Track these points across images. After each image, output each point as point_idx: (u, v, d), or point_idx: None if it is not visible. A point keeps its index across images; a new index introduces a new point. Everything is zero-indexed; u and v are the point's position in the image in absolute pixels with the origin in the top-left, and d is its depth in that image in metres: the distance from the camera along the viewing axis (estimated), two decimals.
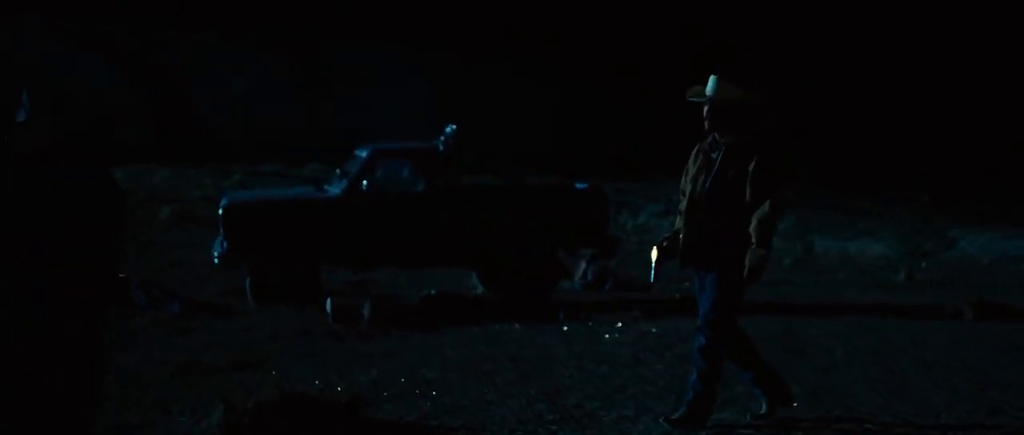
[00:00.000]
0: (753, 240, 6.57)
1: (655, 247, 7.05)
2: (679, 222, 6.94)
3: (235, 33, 36.52)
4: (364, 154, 13.54)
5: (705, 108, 6.78)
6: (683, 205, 6.92)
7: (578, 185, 14.20)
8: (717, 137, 6.77)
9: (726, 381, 8.49)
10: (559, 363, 9.42)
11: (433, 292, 12.25)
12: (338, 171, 14.13)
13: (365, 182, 13.15)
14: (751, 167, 6.57)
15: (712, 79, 6.77)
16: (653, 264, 7.09)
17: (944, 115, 34.18)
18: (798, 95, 35.86)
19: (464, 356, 9.82)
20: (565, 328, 11.43)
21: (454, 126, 13.48)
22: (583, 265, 14.99)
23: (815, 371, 8.98)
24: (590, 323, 11.99)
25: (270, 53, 36.96)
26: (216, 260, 13.27)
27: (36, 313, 6.11)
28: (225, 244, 13.16)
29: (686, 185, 6.92)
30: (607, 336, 10.83)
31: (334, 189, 13.55)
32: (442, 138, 13.48)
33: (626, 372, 9.03)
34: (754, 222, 6.55)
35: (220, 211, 13.32)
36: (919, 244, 17.89)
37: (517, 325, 11.51)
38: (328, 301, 11.87)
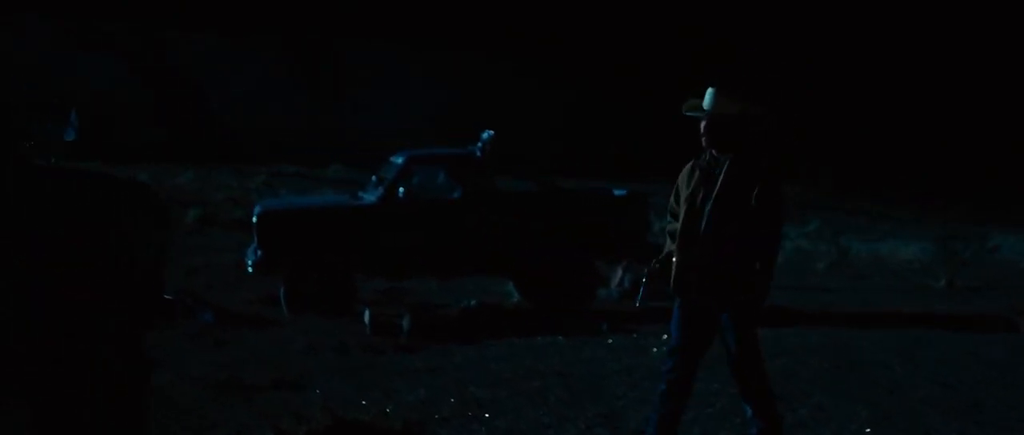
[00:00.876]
0: (758, 266, 6.05)
1: (646, 269, 6.58)
2: (670, 245, 6.34)
3: (240, 33, 36.21)
4: (400, 161, 13.17)
5: (702, 123, 6.23)
6: (673, 227, 6.33)
7: (616, 191, 13.80)
8: (715, 154, 6.22)
9: (790, 404, 8.11)
10: (610, 380, 9.04)
11: (473, 303, 11.87)
12: (373, 178, 13.75)
13: (401, 189, 12.78)
14: (755, 193, 6.01)
15: (710, 92, 6.22)
16: (642, 286, 6.61)
17: (972, 117, 33.70)
18: (823, 98, 35.46)
19: (511, 371, 9.44)
20: (610, 340, 11.05)
21: (491, 132, 13.09)
22: (619, 272, 14.60)
23: (878, 390, 8.59)
24: (635, 335, 11.62)
25: (275, 53, 36.65)
26: (250, 268, 12.90)
27: (75, 339, 5.74)
28: (259, 252, 12.80)
29: (680, 206, 6.31)
30: (655, 350, 10.45)
31: (369, 196, 13.18)
32: (479, 144, 13.10)
33: None
34: (761, 251, 6.05)
35: (254, 219, 12.96)
36: (957, 249, 17.48)
37: (560, 337, 11.14)
38: (366, 312, 11.50)
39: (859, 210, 31.57)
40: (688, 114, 6.31)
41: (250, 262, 12.95)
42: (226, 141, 32.15)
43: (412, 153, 13.37)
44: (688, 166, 6.33)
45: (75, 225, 5.55)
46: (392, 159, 13.48)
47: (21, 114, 5.71)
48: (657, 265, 6.42)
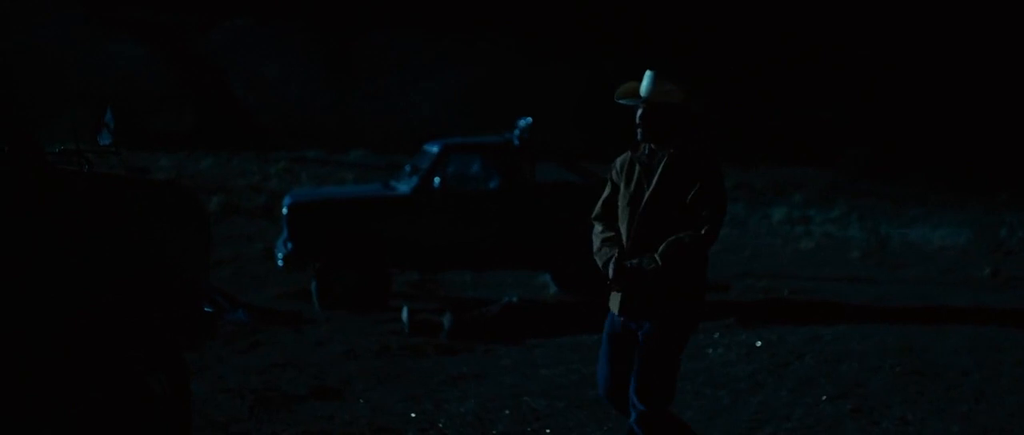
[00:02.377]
0: (658, 252, 5.15)
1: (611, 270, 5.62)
2: (607, 253, 5.36)
3: (263, 18, 35.52)
4: (435, 149, 12.46)
5: (639, 112, 5.37)
6: (609, 235, 5.39)
7: None
8: (654, 147, 5.37)
9: (871, 416, 7.42)
10: None
11: (515, 299, 11.18)
12: (407, 167, 13.05)
13: (437, 179, 12.09)
14: (694, 192, 5.21)
15: (649, 76, 5.36)
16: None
17: (999, 101, 32.93)
18: (844, 77, 34.73)
19: (562, 377, 8.78)
20: None
21: (529, 119, 12.38)
22: None
23: (963, 400, 7.90)
24: None
25: (297, 38, 35.97)
26: (281, 263, 12.23)
27: (111, 360, 5.08)
28: (289, 245, 12.13)
29: (617, 207, 5.41)
30: (711, 351, 9.78)
31: (403, 187, 12.48)
32: (517, 132, 12.39)
33: (751, 401, 7.97)
34: (676, 238, 5.15)
35: (285, 210, 12.28)
36: (998, 236, 16.75)
37: None
38: (404, 311, 10.82)
39: (881, 194, 30.83)
40: (621, 102, 5.45)
41: (280, 255, 12.28)
42: (248, 127, 31.48)
43: (447, 141, 12.67)
44: (623, 159, 5.46)
45: (108, 236, 4.87)
46: (426, 148, 12.78)
47: (38, 111, 5.03)
48: (621, 275, 5.31)
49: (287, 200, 12.53)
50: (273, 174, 24.20)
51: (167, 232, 5.14)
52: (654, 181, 5.29)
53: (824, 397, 7.92)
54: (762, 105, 34.73)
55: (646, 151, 5.39)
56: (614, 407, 5.61)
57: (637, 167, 5.38)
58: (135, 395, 5.17)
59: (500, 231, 12.26)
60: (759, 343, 9.92)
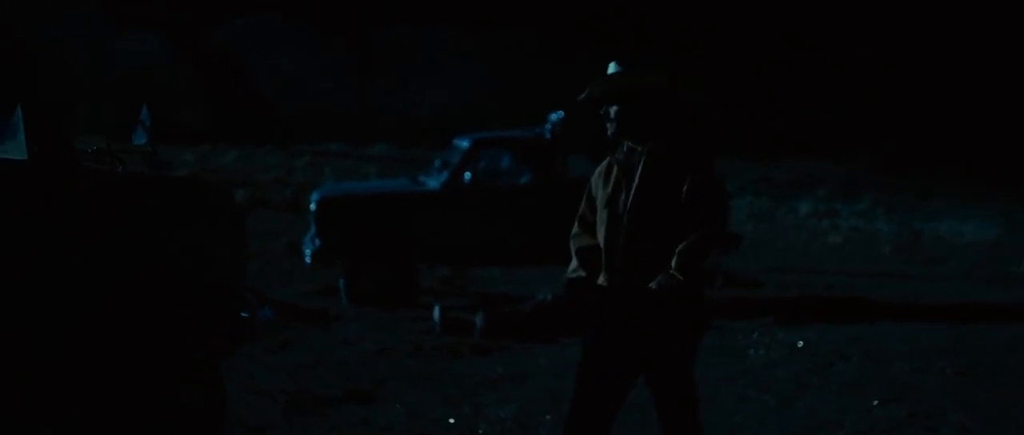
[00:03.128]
0: (673, 265, 4.53)
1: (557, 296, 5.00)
2: (577, 268, 4.86)
3: (283, 10, 35.27)
4: (465, 144, 12.15)
5: (606, 108, 4.75)
6: (585, 243, 4.84)
7: None
8: (632, 144, 4.73)
9: (926, 422, 7.08)
10: (713, 390, 8.01)
11: (548, 297, 10.87)
12: (437, 162, 12.75)
13: (467, 174, 11.78)
14: (685, 188, 4.56)
15: (613, 66, 4.74)
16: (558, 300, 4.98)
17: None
18: (865, 68, 34.32)
19: None
20: None
21: (561, 113, 12.06)
22: None
23: (1022, 405, 7.54)
24: (718, 329, 10.61)
25: (318, 30, 35.70)
26: (308, 259, 11.95)
27: (143, 367, 4.78)
28: (318, 241, 11.84)
29: (595, 213, 4.83)
30: (752, 352, 9.44)
31: (433, 182, 12.18)
32: (548, 126, 12.07)
33: (799, 405, 7.64)
34: (684, 246, 4.54)
35: (313, 206, 12.00)
36: None
37: None
38: (436, 310, 10.51)
39: (905, 187, 30.42)
40: (582, 99, 4.77)
41: (308, 252, 11.99)
42: (270, 120, 31.24)
43: (478, 136, 12.35)
44: (603, 164, 4.83)
45: (140, 238, 4.57)
46: (456, 142, 12.47)
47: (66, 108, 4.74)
48: (573, 292, 4.92)
49: (315, 196, 12.25)
50: (298, 168, 23.96)
51: (201, 233, 4.85)
52: (635, 182, 4.65)
53: (875, 401, 7.58)
54: (772, 102, 34.37)
55: (624, 149, 4.75)
56: None
57: (616, 169, 4.74)
58: (166, 406, 4.88)
59: (531, 227, 11.94)
60: (801, 343, 9.59)
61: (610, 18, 34.76)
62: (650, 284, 4.60)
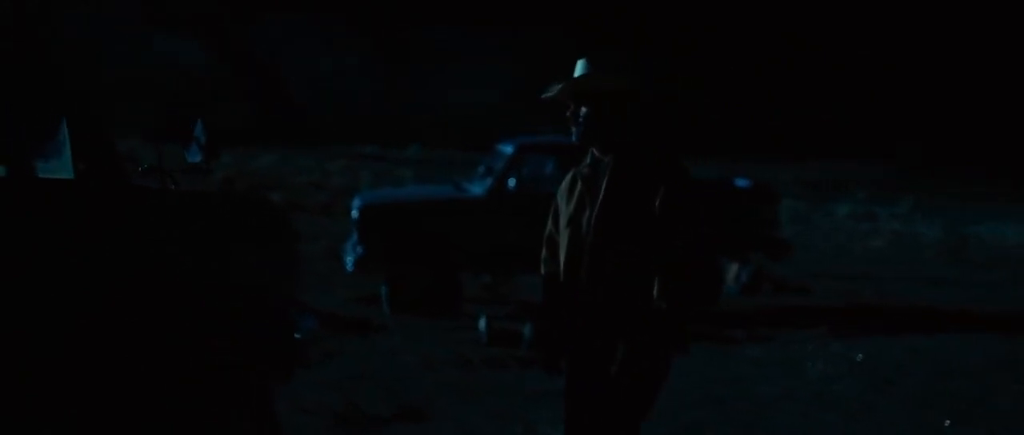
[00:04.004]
0: (667, 299, 4.00)
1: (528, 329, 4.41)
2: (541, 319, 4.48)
3: (317, 12, 35.06)
4: (509, 150, 11.81)
5: (577, 110, 4.26)
6: (554, 269, 4.39)
7: (739, 181, 12.39)
8: (597, 154, 4.26)
9: None
10: (775, 409, 7.70)
11: None
12: (480, 168, 12.41)
13: (512, 181, 11.44)
14: (657, 202, 4.05)
15: (581, 65, 4.26)
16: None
17: None
18: (905, 68, 33.84)
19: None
20: (752, 352, 9.71)
21: None
22: (735, 267, 13.16)
23: None
24: (771, 339, 10.27)
25: (353, 32, 35.47)
26: (350, 267, 11.63)
27: (194, 395, 4.47)
28: (360, 249, 11.52)
29: (560, 232, 4.35)
30: (810, 365, 9.07)
31: (476, 188, 11.85)
32: None
33: (867, 425, 7.27)
34: (671, 278, 4.00)
35: (355, 213, 11.68)
36: None
37: (696, 344, 9.77)
38: (482, 320, 10.18)
39: (941, 188, 29.93)
40: (547, 97, 4.32)
41: (350, 259, 11.68)
42: (305, 122, 31.02)
43: (522, 141, 12.00)
44: (567, 178, 4.37)
45: (192, 260, 4.26)
46: (500, 148, 12.13)
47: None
48: (543, 325, 4.49)
49: (357, 202, 11.94)
50: (333, 171, 23.73)
51: (253, 254, 4.53)
52: (601, 195, 4.16)
53: (947, 422, 7.21)
54: (802, 101, 33.89)
55: (589, 161, 4.30)
56: None
57: (579, 184, 4.27)
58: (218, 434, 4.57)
59: None
60: (860, 357, 9.22)
61: (630, 17, 34.37)
62: (628, 341, 4.07)
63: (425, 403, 7.80)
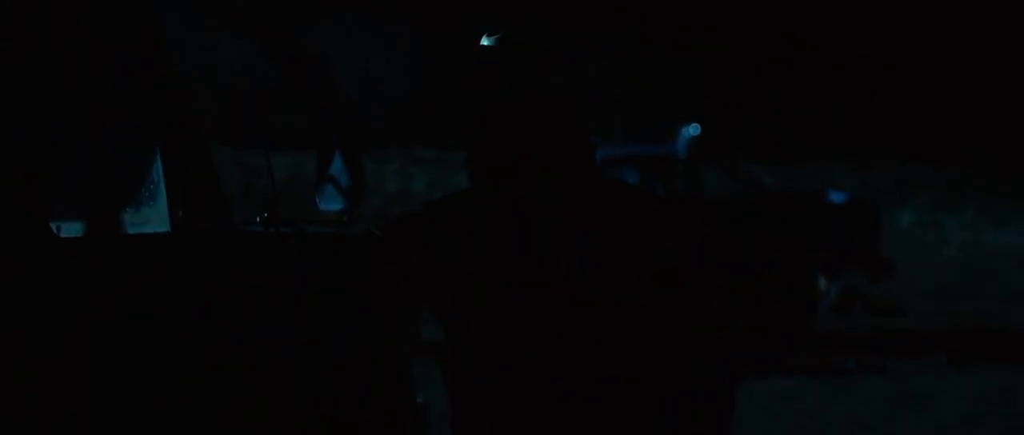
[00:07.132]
0: None
1: None
2: None
3: (371, 12, 34.36)
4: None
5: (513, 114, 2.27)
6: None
7: (834, 195, 11.48)
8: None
9: None
10: None
11: None
12: None
13: None
14: (681, 262, 2.10)
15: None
16: None
17: None
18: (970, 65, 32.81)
19: (763, 430, 7.17)
20: (862, 382, 8.79)
21: (698, 125, 10.81)
22: (824, 284, 12.17)
23: None
24: (884, 370, 9.33)
25: (405, 31, 34.76)
26: None
27: None
28: None
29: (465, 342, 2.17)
30: (932, 399, 8.10)
31: None
32: (684, 140, 10.81)
33: None
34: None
35: None
36: None
37: (801, 375, 8.87)
38: None
39: (1005, 193, 28.83)
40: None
41: None
42: (359, 124, 30.32)
43: (605, 152, 11.09)
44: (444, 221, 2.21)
45: (317, 319, 3.38)
46: None
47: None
48: None
49: None
50: (387, 174, 22.95)
51: (382, 310, 3.65)
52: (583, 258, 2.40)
53: None
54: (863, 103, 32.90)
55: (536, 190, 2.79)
56: None
57: (520, 227, 2.58)
58: None
59: None
60: (990, 385, 8.28)
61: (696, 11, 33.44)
62: None
63: None
